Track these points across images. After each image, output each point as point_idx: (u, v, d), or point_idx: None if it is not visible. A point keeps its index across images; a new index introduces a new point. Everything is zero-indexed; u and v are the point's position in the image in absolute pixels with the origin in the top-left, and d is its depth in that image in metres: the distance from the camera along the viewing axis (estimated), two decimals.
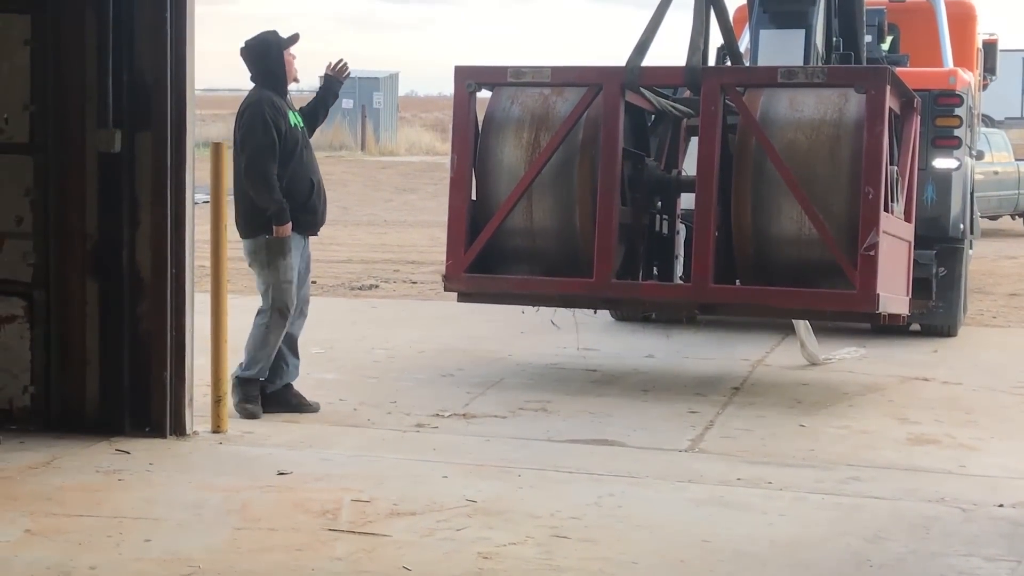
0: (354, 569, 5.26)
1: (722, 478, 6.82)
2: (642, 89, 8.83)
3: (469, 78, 8.75)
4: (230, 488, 6.40)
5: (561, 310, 9.78)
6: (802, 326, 10.04)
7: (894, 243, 8.63)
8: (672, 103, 9.27)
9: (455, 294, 8.97)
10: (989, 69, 14.43)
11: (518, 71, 8.74)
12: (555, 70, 8.75)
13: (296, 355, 8.27)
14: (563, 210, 8.68)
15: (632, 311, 11.56)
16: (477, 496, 6.32)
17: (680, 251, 9.56)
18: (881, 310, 8.24)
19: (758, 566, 5.40)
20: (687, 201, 9.19)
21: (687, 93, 9.32)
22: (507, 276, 8.82)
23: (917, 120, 9.42)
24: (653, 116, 9.43)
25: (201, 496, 6.27)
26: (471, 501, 6.24)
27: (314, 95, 8.60)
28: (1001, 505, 6.37)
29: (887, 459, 7.38)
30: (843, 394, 9.19)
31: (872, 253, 8.03)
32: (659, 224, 9.45)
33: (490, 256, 8.78)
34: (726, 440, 7.77)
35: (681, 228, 9.61)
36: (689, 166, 9.26)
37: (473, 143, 8.79)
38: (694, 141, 8.97)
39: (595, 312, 11.04)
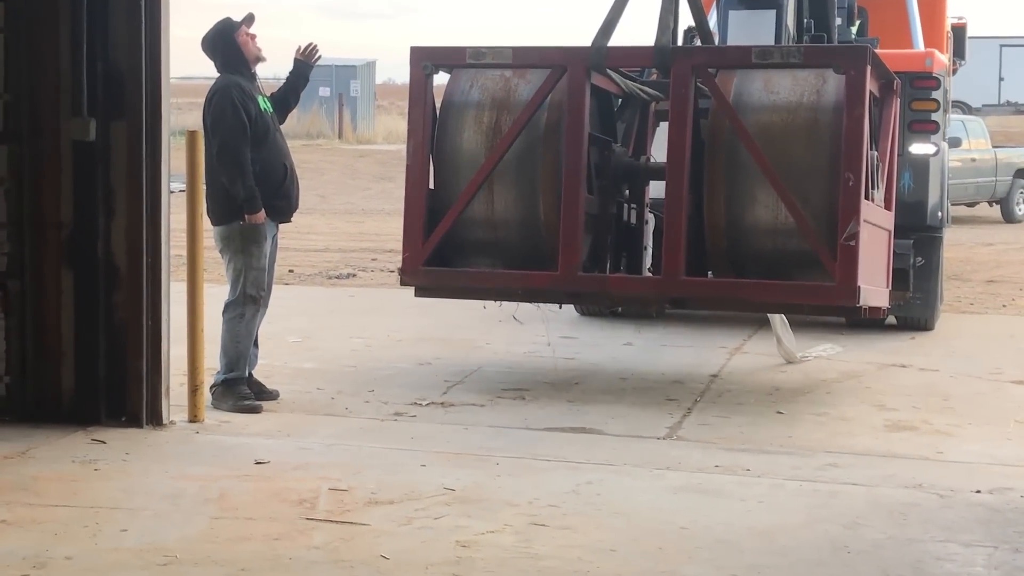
0: (332, 558, 5.25)
1: (700, 465, 6.82)
2: (608, 71, 8.44)
3: (425, 59, 8.31)
4: (207, 477, 6.38)
5: (524, 305, 9.29)
6: (778, 321, 9.72)
7: (874, 232, 8.31)
8: (640, 86, 8.92)
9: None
10: (958, 54, 14.29)
11: (477, 52, 8.27)
12: (516, 51, 8.27)
13: (256, 344, 8.21)
14: (526, 199, 8.26)
15: (599, 305, 11.13)
16: (455, 484, 6.31)
17: (649, 242, 9.16)
18: (861, 303, 7.91)
19: (736, 553, 5.40)
20: (656, 189, 8.94)
21: (655, 75, 9.01)
22: (467, 269, 8.42)
23: (897, 103, 9.09)
24: (620, 100, 9.01)
25: (178, 486, 6.24)
26: (449, 489, 6.23)
27: (284, 81, 8.53)
28: (978, 491, 6.38)
29: (864, 446, 7.39)
30: (820, 381, 9.20)
31: (852, 243, 7.68)
32: (627, 214, 9.01)
33: (449, 248, 8.37)
34: (704, 428, 7.78)
35: (650, 218, 9.20)
36: (658, 152, 8.96)
37: (431, 128, 8.35)
38: (663, 126, 8.62)
39: (560, 307, 10.61)
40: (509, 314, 9.75)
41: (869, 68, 7.83)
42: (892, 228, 9.00)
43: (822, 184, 7.88)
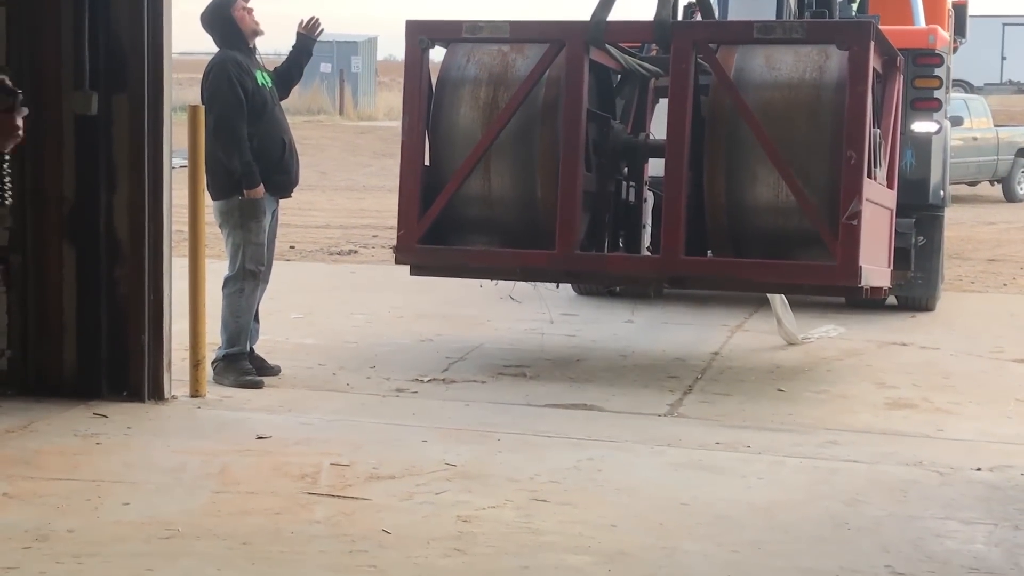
0: (334, 532, 5.26)
1: (701, 442, 6.83)
2: (608, 46, 8.28)
3: (421, 33, 8.14)
4: (209, 452, 6.39)
5: (521, 284, 9.19)
6: (778, 302, 9.53)
7: (877, 211, 8.17)
8: (640, 62, 8.74)
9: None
10: (959, 32, 14.21)
11: (474, 26, 8.12)
12: (514, 25, 8.14)
13: (257, 319, 8.21)
14: (523, 177, 8.11)
15: (596, 284, 11.04)
16: (456, 460, 6.32)
17: (648, 220, 8.98)
18: (863, 283, 7.78)
19: (736, 529, 5.42)
20: (655, 167, 8.83)
21: (654, 51, 8.88)
22: (463, 247, 8.28)
23: (900, 80, 8.96)
24: (619, 75, 8.83)
25: (180, 460, 6.25)
26: (450, 465, 6.24)
27: (287, 55, 8.49)
28: (979, 469, 6.39)
29: (865, 423, 7.40)
30: (821, 359, 9.21)
31: (855, 222, 7.55)
32: (625, 191, 8.85)
33: (445, 226, 8.22)
34: (705, 405, 7.79)
35: (648, 196, 9.04)
36: (657, 129, 8.85)
37: (426, 104, 8.19)
38: (663, 103, 8.49)
39: (557, 286, 10.63)
40: (509, 292, 9.65)
41: (872, 44, 7.70)
42: (894, 207, 8.90)
43: (824, 162, 7.76)
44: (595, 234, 8.53)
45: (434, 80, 8.33)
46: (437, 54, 8.46)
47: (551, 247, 7.96)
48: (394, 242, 8.36)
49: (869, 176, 7.82)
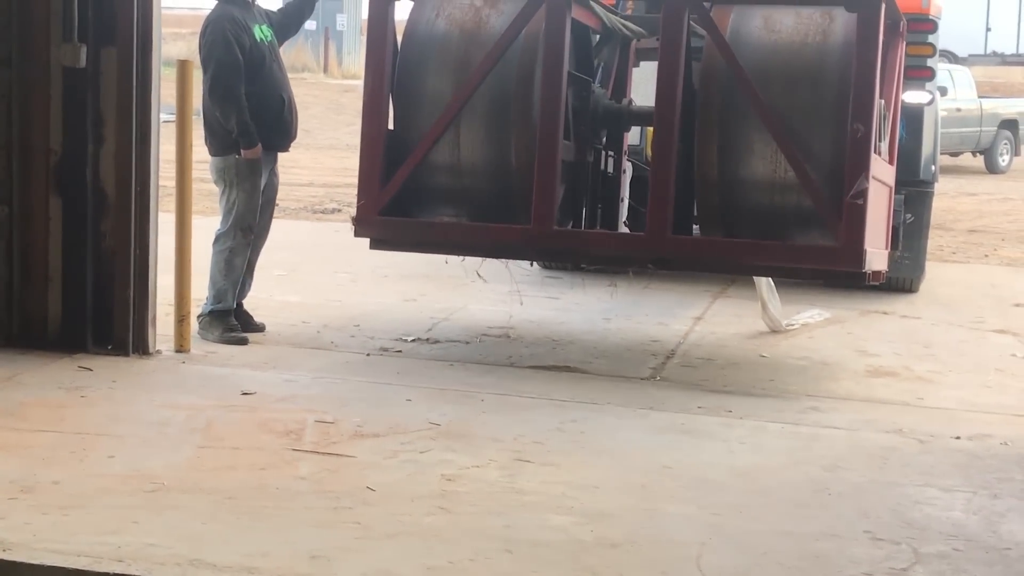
0: (318, 489, 5.29)
1: (683, 406, 6.87)
2: (591, 3, 7.72)
3: None
4: (193, 407, 6.41)
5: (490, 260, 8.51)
6: (764, 285, 8.86)
7: (879, 189, 7.49)
8: (623, 21, 8.20)
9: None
10: None
11: None
12: None
13: (252, 275, 8.22)
14: (496, 143, 7.44)
15: (575, 263, 10.13)
16: (440, 420, 6.35)
17: (626, 193, 8.42)
18: (866, 268, 7.20)
19: (718, 492, 5.46)
20: (634, 135, 8.49)
21: (629, 8, 8.42)
22: (429, 220, 7.64)
23: (903, 46, 8.30)
24: (597, 35, 8.20)
25: (164, 414, 6.27)
26: (434, 424, 6.27)
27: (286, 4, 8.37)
28: (958, 437, 6.45)
29: (846, 390, 7.45)
30: (803, 326, 9.24)
31: (860, 202, 6.94)
32: (604, 162, 8.23)
33: (409, 197, 7.54)
34: (687, 369, 7.83)
35: (628, 166, 8.50)
36: (637, 96, 8.43)
37: (391, 63, 7.47)
38: (643, 66, 8.03)
39: (532, 264, 10.04)
40: (476, 268, 8.88)
41: (884, 7, 7.08)
42: (893, 184, 8.30)
43: (827, 135, 7.16)
44: (571, 207, 7.96)
45: (400, 36, 7.66)
46: (404, 8, 7.79)
47: (526, 221, 7.33)
48: (354, 212, 7.64)
49: (874, 151, 7.24)
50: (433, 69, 7.54)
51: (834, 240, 7.08)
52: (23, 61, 7.27)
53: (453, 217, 7.70)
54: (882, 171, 7.65)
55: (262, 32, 7.94)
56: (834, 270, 7.31)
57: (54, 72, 7.22)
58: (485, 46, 7.41)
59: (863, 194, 6.97)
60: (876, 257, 7.56)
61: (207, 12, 8.07)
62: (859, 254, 7.04)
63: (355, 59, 42.15)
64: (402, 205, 7.57)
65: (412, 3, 7.74)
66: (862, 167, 6.98)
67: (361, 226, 7.52)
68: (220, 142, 7.87)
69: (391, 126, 7.63)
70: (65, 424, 6.04)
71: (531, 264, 10.04)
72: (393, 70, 7.53)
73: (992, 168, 24.22)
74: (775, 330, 8.97)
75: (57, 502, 4.98)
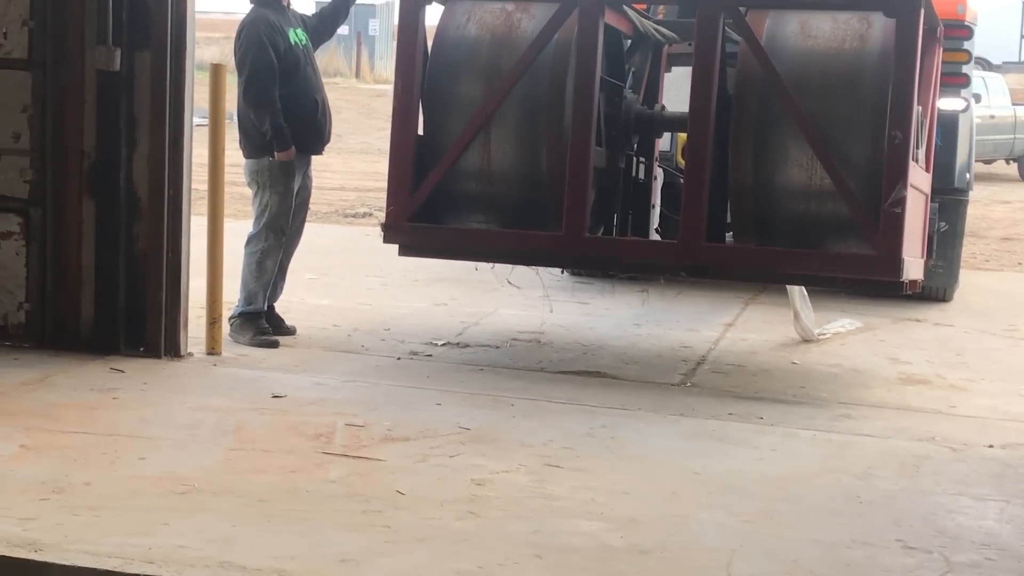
0: (348, 492, 5.29)
1: (713, 412, 6.85)
2: (624, 7, 7.66)
3: None
4: (224, 409, 6.42)
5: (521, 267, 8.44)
6: (797, 294, 8.74)
7: (916, 197, 7.38)
8: (655, 26, 8.14)
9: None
10: None
11: None
12: None
13: (284, 278, 8.24)
14: (527, 149, 7.38)
15: (607, 271, 9.97)
16: (470, 424, 6.35)
17: (657, 200, 8.36)
18: (904, 277, 7.07)
19: (748, 499, 5.43)
20: (664, 141, 8.42)
21: (661, 12, 8.37)
22: (458, 227, 7.58)
23: (940, 52, 8.17)
24: (629, 40, 8.14)
25: (195, 417, 6.29)
26: (464, 429, 6.27)
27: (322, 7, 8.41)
28: (991, 446, 6.41)
29: (878, 398, 7.41)
30: (835, 333, 9.20)
31: (898, 210, 6.84)
32: (635, 168, 8.19)
33: (439, 203, 7.49)
34: (717, 375, 7.80)
35: (659, 173, 8.45)
36: (668, 102, 8.43)
37: (421, 67, 7.42)
38: (675, 72, 7.98)
39: (562, 272, 9.96)
40: (507, 276, 9.04)
41: (923, 12, 6.96)
42: (929, 191, 8.21)
43: (864, 141, 7.04)
44: (602, 214, 7.90)
45: (430, 41, 7.60)
46: (435, 13, 7.80)
47: (557, 228, 7.28)
48: (383, 218, 7.55)
49: (912, 158, 7.14)
50: (464, 74, 7.48)
51: (871, 249, 7.00)
52: (57, 64, 7.31)
53: (483, 224, 7.64)
54: (919, 179, 7.54)
55: (297, 36, 7.96)
56: (871, 279, 7.19)
57: (88, 75, 7.25)
58: (516, 51, 7.35)
59: (901, 202, 6.89)
60: (913, 266, 7.46)
61: (241, 16, 8.10)
62: (897, 263, 6.95)
63: (387, 64, 42.25)
64: (431, 211, 7.52)
65: (443, 8, 7.70)
66: (900, 175, 6.90)
67: (390, 232, 7.46)
68: (254, 144, 7.89)
69: (421, 132, 7.59)
70: (97, 426, 6.06)
71: (561, 271, 9.97)
72: (423, 75, 7.49)
73: None
74: (807, 340, 8.90)
75: (88, 503, 4.99)
